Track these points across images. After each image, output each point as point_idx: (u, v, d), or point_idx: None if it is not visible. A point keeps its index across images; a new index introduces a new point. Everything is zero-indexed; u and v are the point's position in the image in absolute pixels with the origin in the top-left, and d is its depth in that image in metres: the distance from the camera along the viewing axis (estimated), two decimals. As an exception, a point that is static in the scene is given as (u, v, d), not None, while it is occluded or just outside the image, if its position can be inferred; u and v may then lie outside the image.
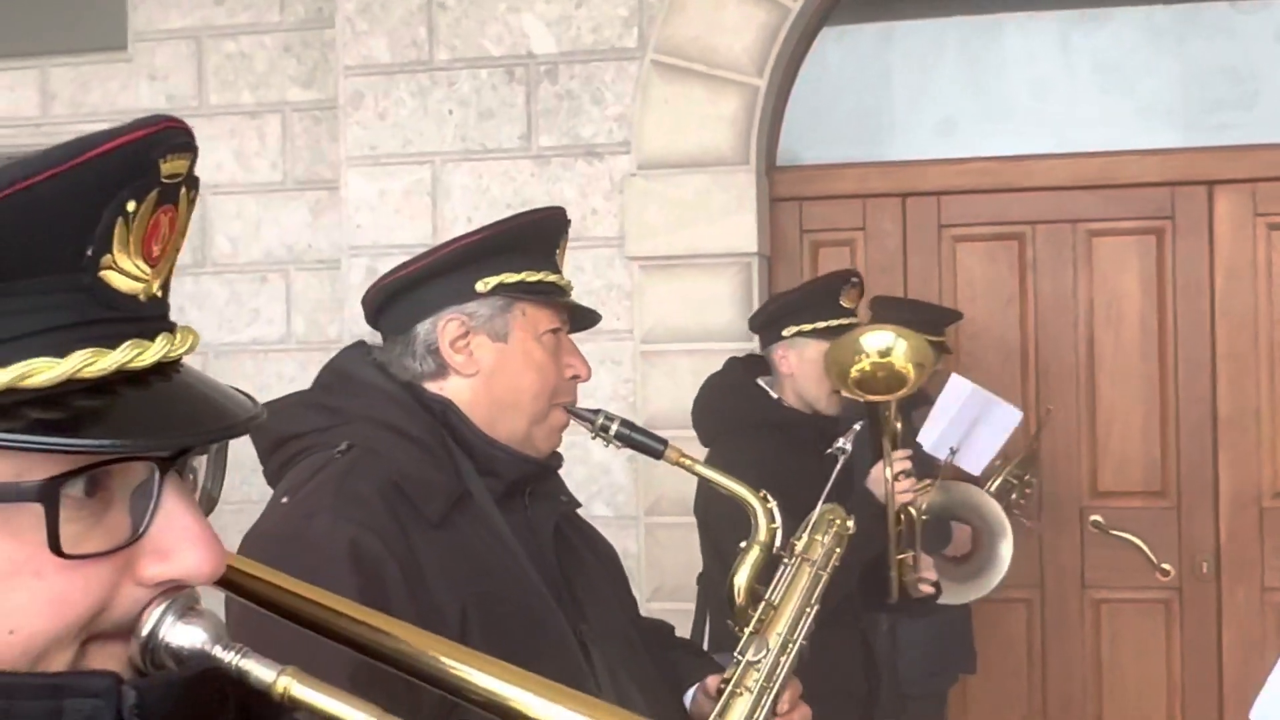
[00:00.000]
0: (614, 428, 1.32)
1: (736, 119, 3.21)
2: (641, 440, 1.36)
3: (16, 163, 0.39)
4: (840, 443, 1.86)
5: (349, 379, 1.31)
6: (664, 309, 3.25)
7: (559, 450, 1.36)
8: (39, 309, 0.39)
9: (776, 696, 1.20)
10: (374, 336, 1.37)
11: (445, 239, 1.53)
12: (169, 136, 0.41)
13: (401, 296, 1.29)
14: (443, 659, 0.51)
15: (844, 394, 2.38)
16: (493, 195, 3.14)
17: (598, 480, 2.99)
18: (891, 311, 2.78)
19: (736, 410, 2.52)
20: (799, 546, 1.66)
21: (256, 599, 0.52)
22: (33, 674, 0.39)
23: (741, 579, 1.58)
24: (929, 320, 2.82)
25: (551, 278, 1.28)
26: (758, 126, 3.17)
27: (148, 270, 0.43)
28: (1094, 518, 3.11)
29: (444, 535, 1.14)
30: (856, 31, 3.49)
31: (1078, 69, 3.35)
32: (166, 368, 0.42)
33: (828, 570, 1.63)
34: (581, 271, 2.91)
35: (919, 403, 2.56)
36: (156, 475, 0.41)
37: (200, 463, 0.47)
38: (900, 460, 2.21)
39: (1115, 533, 3.07)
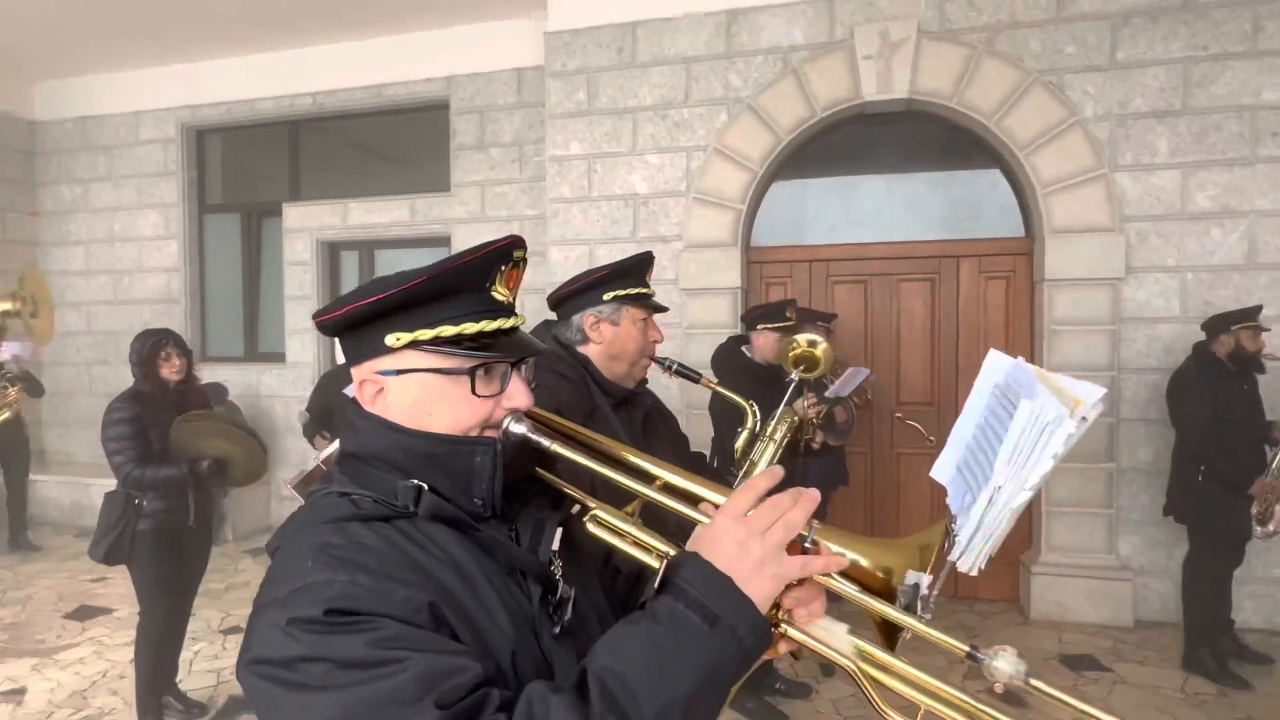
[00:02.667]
0: (675, 366, 1.89)
1: (731, 224, 4.84)
2: (687, 373, 1.93)
3: (468, 249, 0.80)
4: (792, 376, 2.75)
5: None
6: (696, 313, 4.87)
7: (646, 379, 1.79)
8: (470, 305, 0.79)
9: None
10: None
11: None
12: (518, 242, 0.82)
13: (567, 301, 1.73)
14: (626, 453, 0.90)
15: (786, 365, 3.24)
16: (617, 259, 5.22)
17: (662, 394, 3.70)
18: (805, 315, 3.96)
19: (732, 362, 3.52)
20: (768, 431, 2.29)
21: (543, 420, 0.90)
22: (465, 437, 0.80)
23: (737, 446, 2.23)
24: (822, 318, 4.16)
25: (644, 290, 1.72)
26: (741, 228, 4.82)
27: (508, 292, 0.84)
28: (897, 414, 4.74)
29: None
30: (790, 182, 5.09)
31: (896, 201, 4.92)
32: (514, 329, 0.83)
33: (781, 443, 2.27)
34: (656, 294, 4.79)
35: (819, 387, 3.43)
36: (509, 368, 0.82)
37: (528, 364, 0.86)
38: (810, 395, 3.04)
39: (908, 421, 4.52)
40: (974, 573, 0.76)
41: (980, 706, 0.67)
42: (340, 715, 0.60)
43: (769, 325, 3.48)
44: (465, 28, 5.78)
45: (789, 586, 0.73)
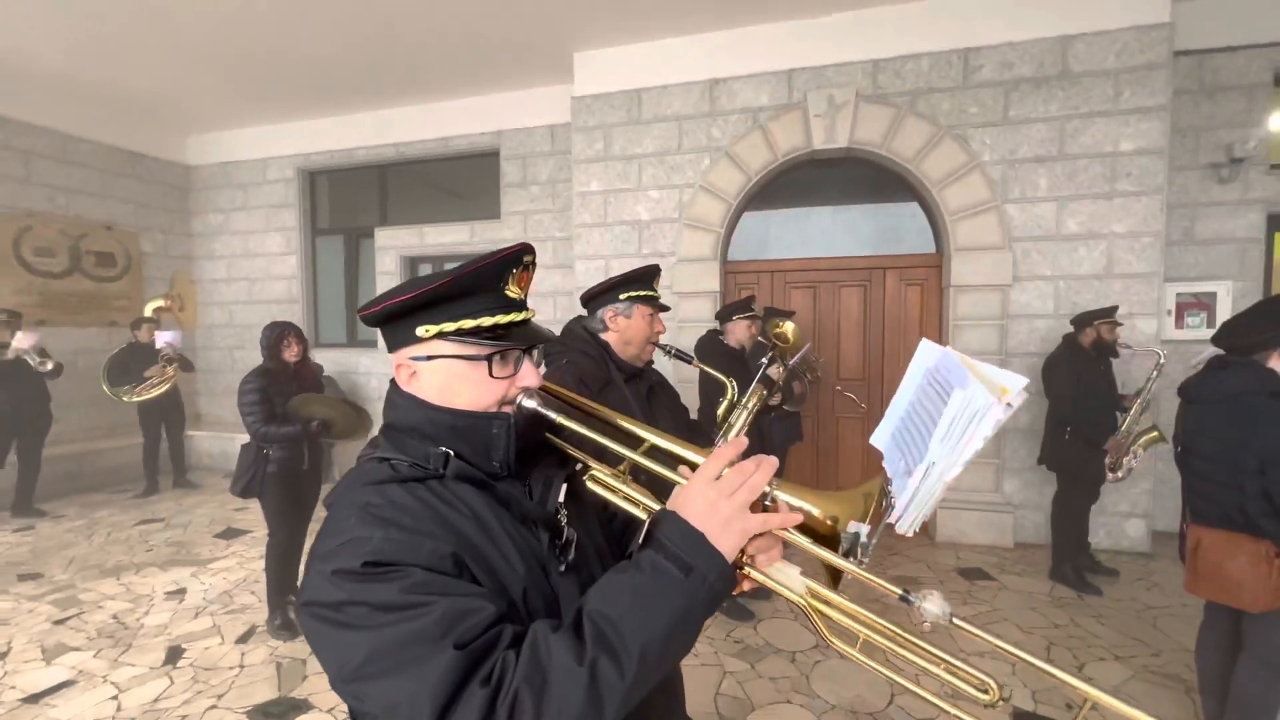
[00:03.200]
0: (674, 351, 1.84)
1: (713, 244, 4.75)
2: (683, 356, 1.87)
3: (482, 255, 0.74)
4: (764, 360, 2.52)
5: (571, 330, 1.72)
6: (686, 311, 4.78)
7: (651, 360, 1.74)
8: (488, 302, 0.74)
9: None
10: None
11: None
12: (526, 249, 0.77)
13: (594, 300, 1.70)
14: (621, 421, 0.81)
15: (766, 341, 3.38)
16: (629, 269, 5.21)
17: (666, 373, 4.54)
18: (771, 312, 3.93)
19: (713, 348, 3.34)
20: (743, 401, 2.15)
21: (554, 394, 0.83)
22: (484, 413, 0.75)
23: (719, 413, 2.13)
24: (784, 313, 3.98)
25: (651, 293, 1.70)
26: (720, 246, 4.75)
27: (520, 290, 0.78)
28: (837, 387, 4.72)
29: (601, 395, 1.49)
30: (758, 212, 4.98)
31: (838, 226, 4.83)
32: (526, 321, 0.77)
33: (753, 410, 2.11)
34: (661, 296, 4.90)
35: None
36: (521, 354, 0.75)
37: (538, 351, 0.80)
38: (779, 364, 2.86)
39: (846, 393, 4.65)
40: (910, 534, 0.72)
41: (907, 636, 0.65)
42: (377, 650, 0.58)
43: (743, 315, 3.41)
44: (512, 93, 5.74)
45: (752, 537, 0.69)
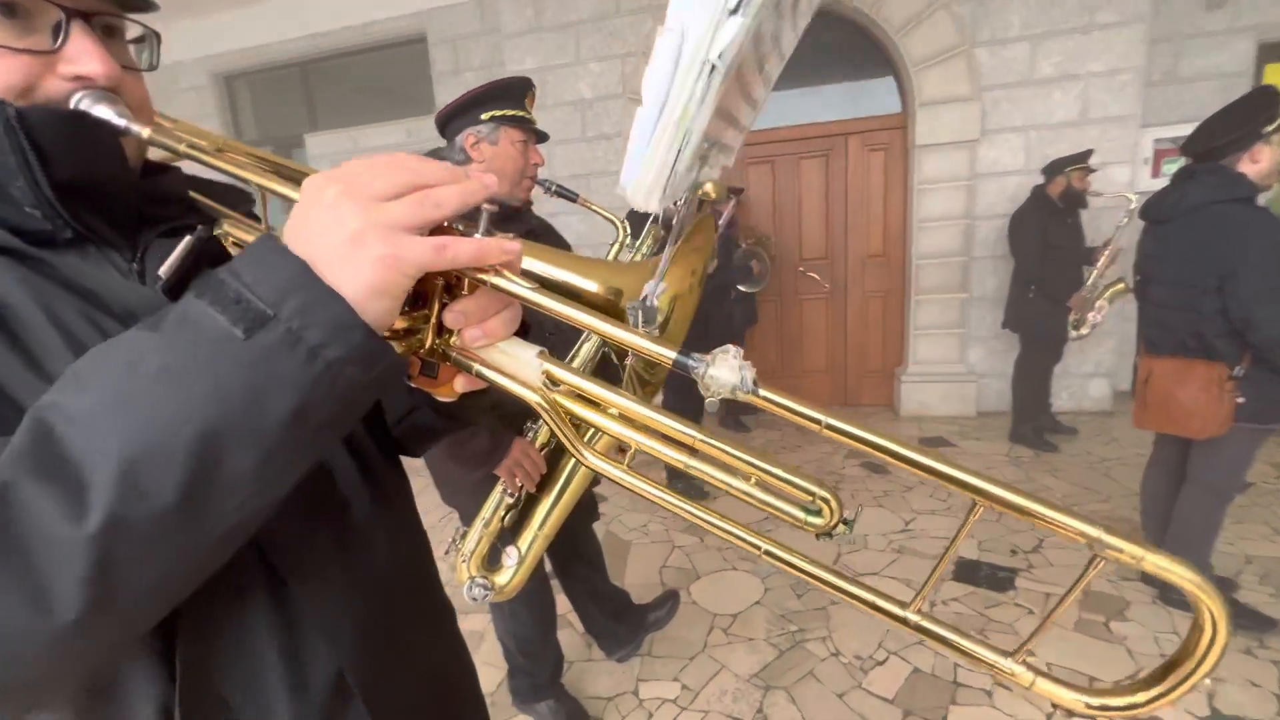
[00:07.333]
0: (554, 188, 1.50)
1: None
2: (566, 193, 1.51)
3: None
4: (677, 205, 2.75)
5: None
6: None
7: (529, 200, 1.50)
8: None
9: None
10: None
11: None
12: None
13: (450, 123, 1.43)
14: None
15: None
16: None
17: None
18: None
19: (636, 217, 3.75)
20: (637, 245, 1.57)
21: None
22: None
23: (608, 258, 1.62)
24: (733, 190, 3.63)
25: (521, 113, 1.41)
26: None
27: None
28: (800, 268, 4.50)
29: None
30: None
31: (796, 94, 4.29)
32: None
33: (646, 254, 1.59)
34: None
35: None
36: (64, 17, 0.41)
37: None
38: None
39: (809, 273, 4.48)
40: (655, 209, 0.45)
41: (708, 440, 0.40)
42: None
43: None
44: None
45: (445, 292, 0.43)
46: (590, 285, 0.52)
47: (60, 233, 0.45)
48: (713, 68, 0.40)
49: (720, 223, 3.15)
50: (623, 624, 1.97)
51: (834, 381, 4.72)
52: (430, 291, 0.43)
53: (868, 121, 4.33)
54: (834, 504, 0.40)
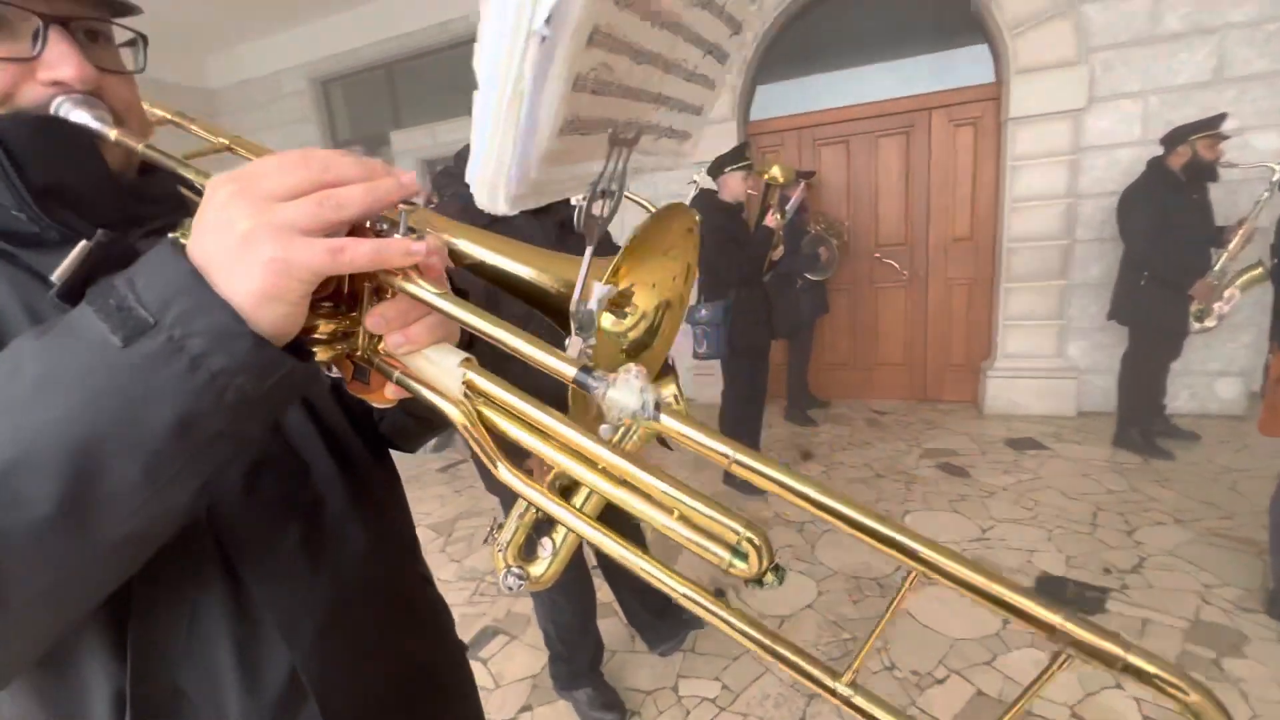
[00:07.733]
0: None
1: (729, 101, 4.18)
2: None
3: None
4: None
5: (462, 157, 1.49)
6: (706, 179, 4.75)
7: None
8: None
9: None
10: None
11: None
12: None
13: None
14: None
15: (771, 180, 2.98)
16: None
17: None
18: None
19: (708, 203, 2.93)
20: None
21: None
22: None
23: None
24: (803, 174, 3.55)
25: None
26: (739, 103, 4.18)
27: None
28: (876, 254, 4.27)
29: (492, 229, 0.85)
30: (780, 71, 4.29)
31: (873, 69, 4.07)
32: None
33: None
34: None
35: (783, 202, 3.08)
36: (42, 25, 0.42)
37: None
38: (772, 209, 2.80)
39: (886, 260, 4.23)
40: (505, 209, 0.37)
41: (620, 461, 0.35)
42: None
43: (736, 167, 2.97)
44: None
45: (375, 295, 0.40)
46: (523, 271, 0.46)
47: (47, 234, 0.45)
48: (542, 39, 0.31)
49: (788, 208, 3.02)
50: (665, 619, 1.96)
51: (912, 376, 4.42)
52: (360, 293, 0.41)
53: (954, 94, 3.97)
54: (763, 548, 0.34)
